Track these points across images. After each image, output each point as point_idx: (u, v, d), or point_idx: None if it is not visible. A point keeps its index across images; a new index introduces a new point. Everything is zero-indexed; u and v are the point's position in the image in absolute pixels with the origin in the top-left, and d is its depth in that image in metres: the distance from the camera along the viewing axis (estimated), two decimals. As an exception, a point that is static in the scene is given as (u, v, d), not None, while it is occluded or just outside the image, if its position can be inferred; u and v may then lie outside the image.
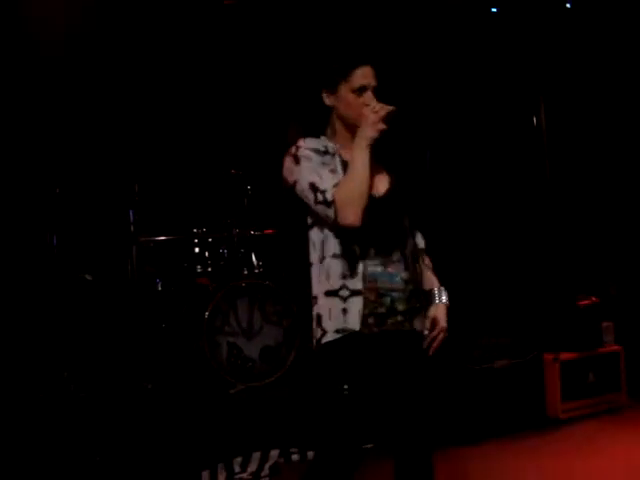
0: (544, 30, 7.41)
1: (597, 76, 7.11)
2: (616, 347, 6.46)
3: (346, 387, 2.94)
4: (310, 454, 5.18)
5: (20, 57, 5.80)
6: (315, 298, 3.04)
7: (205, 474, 4.95)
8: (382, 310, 2.98)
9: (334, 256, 2.98)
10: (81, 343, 6.02)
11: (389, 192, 3.08)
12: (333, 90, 3.07)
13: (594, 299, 6.54)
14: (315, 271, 3.04)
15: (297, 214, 3.09)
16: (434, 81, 6.89)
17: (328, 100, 3.09)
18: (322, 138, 3.10)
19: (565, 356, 6.20)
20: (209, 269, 6.14)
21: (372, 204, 2.98)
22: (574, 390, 6.15)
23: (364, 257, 2.97)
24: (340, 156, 3.05)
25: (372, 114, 2.94)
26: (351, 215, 2.90)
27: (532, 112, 7.27)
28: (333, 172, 2.99)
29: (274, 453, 5.15)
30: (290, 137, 3.12)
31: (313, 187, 2.95)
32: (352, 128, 3.04)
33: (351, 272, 2.95)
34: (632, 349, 6.52)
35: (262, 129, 7.00)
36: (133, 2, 6.35)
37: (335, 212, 2.90)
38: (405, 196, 3.13)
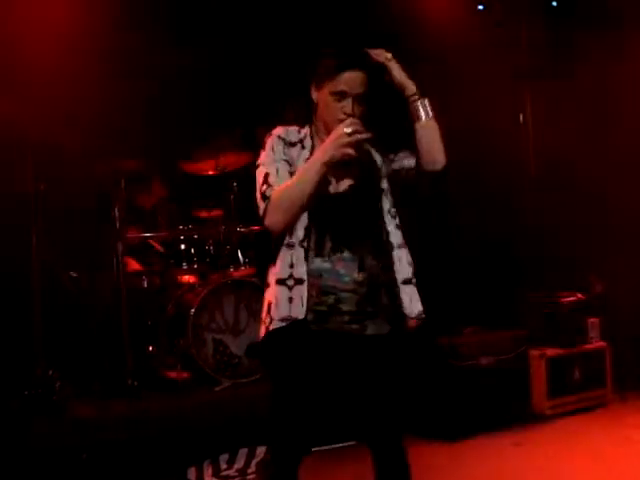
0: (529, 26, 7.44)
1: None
2: (602, 343, 6.49)
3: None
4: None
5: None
6: (267, 285, 3.03)
7: (191, 471, 4.94)
8: (323, 308, 2.92)
9: (287, 245, 2.95)
10: (66, 340, 6.01)
11: (351, 189, 3.01)
12: (319, 86, 3.02)
13: (579, 295, 6.57)
14: (270, 259, 3.05)
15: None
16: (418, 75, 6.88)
17: (313, 95, 3.06)
18: (305, 128, 3.08)
19: (551, 352, 6.22)
20: (195, 266, 6.12)
21: (329, 201, 2.95)
22: (560, 386, 6.17)
23: (316, 251, 2.93)
24: (312, 151, 3.01)
25: (344, 136, 2.81)
26: (273, 218, 2.89)
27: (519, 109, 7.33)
28: (290, 161, 2.98)
29: (261, 450, 5.13)
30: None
31: (265, 177, 2.94)
32: (328, 129, 2.97)
33: (298, 262, 2.91)
34: (617, 345, 6.54)
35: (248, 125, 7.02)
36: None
37: (264, 209, 2.90)
38: (373, 193, 3.04)
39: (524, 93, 7.52)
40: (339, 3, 6.87)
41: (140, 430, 5.00)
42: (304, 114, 3.09)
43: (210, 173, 6.45)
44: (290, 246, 2.94)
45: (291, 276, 2.92)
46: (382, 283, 3.00)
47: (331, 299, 2.92)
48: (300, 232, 2.93)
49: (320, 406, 3.00)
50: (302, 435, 3.01)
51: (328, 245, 2.93)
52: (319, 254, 2.93)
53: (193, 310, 5.60)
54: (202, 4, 6.85)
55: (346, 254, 2.94)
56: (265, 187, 2.92)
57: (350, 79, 2.94)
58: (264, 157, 2.99)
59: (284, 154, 2.98)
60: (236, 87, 7.07)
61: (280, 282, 2.94)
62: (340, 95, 2.94)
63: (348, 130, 2.81)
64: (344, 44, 3.07)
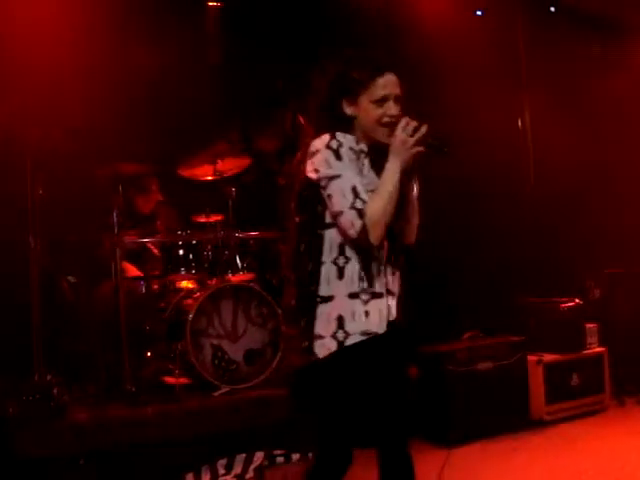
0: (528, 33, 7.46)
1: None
2: (600, 349, 6.49)
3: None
4: (295, 457, 5.17)
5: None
6: (330, 298, 2.99)
7: (189, 476, 4.94)
8: (386, 312, 3.02)
9: (354, 259, 2.97)
10: (64, 346, 6.00)
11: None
12: (353, 100, 3.01)
13: (577, 301, 6.57)
14: (329, 271, 3.00)
15: (313, 210, 3.02)
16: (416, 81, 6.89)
17: (349, 110, 3.03)
18: (353, 137, 3.03)
19: (549, 358, 6.23)
20: (193, 271, 6.11)
21: None
22: (558, 392, 6.18)
23: (380, 262, 3.00)
24: (369, 158, 3.02)
25: (408, 138, 2.88)
26: (375, 234, 2.88)
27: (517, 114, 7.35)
28: (361, 174, 2.96)
29: (259, 455, 5.13)
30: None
31: (355, 191, 2.90)
32: (370, 139, 3.01)
33: (371, 276, 2.96)
34: (616, 351, 6.54)
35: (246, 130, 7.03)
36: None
37: (362, 225, 2.87)
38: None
39: (523, 99, 7.54)
40: (337, 12, 6.88)
41: (138, 435, 4.99)
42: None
43: (208, 178, 6.44)
44: (357, 259, 2.97)
45: (364, 290, 2.97)
46: None
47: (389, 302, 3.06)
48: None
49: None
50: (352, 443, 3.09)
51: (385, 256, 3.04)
52: (382, 264, 3.02)
53: (191, 315, 5.59)
54: (201, 7, 6.89)
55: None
56: (359, 202, 2.89)
57: (387, 82, 3.00)
58: (342, 167, 2.93)
59: (356, 165, 2.97)
60: (234, 91, 7.08)
61: (353, 296, 2.97)
62: (382, 100, 2.98)
63: (409, 130, 2.87)
64: (367, 52, 3.11)
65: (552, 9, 7.50)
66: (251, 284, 5.96)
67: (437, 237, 6.78)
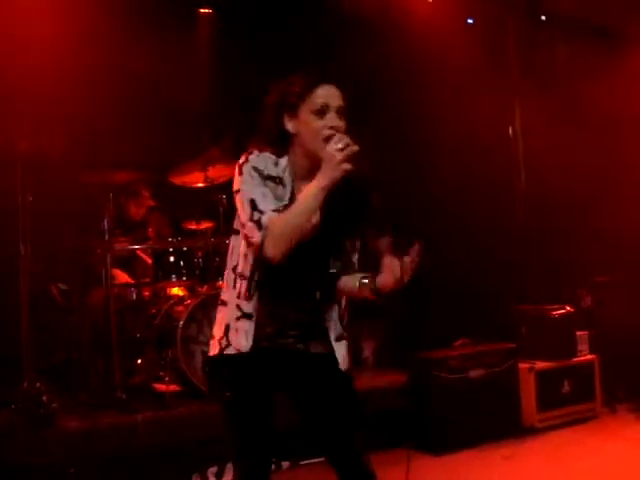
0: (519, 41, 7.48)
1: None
2: (591, 356, 6.50)
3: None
4: (285, 464, 5.16)
5: None
6: (225, 303, 2.98)
7: (180, 484, 4.93)
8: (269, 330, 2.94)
9: (241, 276, 2.91)
10: (54, 353, 5.98)
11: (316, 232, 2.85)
12: (293, 113, 2.89)
13: (569, 308, 6.58)
14: (228, 277, 2.98)
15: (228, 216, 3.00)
16: (408, 89, 6.91)
17: (289, 125, 2.90)
18: (283, 159, 2.90)
19: (540, 365, 6.23)
20: (184, 278, 6.10)
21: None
22: (549, 399, 6.18)
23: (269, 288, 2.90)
24: (292, 187, 2.88)
25: (337, 152, 2.70)
26: (277, 248, 2.74)
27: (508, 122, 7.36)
28: (278, 198, 2.84)
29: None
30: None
31: (252, 204, 2.78)
32: (312, 157, 2.84)
33: (250, 294, 2.89)
34: (607, 358, 6.55)
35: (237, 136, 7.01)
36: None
37: (262, 238, 2.75)
38: (336, 235, 2.96)
39: (514, 106, 7.56)
40: (327, 19, 6.90)
41: (128, 443, 4.98)
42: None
43: (199, 185, 6.44)
44: (243, 277, 2.91)
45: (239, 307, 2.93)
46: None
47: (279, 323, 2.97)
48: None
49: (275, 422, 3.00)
50: (264, 450, 3.00)
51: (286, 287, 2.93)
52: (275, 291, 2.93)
53: (182, 322, 5.58)
54: (192, 15, 6.89)
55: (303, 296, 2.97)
56: (257, 214, 2.77)
57: (327, 92, 2.85)
58: (242, 182, 2.83)
59: (264, 185, 2.83)
60: (226, 98, 7.08)
61: (238, 308, 2.94)
62: (321, 110, 2.83)
63: (340, 145, 2.72)
64: (312, 64, 3.01)
65: (543, 17, 7.52)
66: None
67: (428, 245, 6.80)
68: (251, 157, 2.86)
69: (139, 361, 5.94)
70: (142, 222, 6.60)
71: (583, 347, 6.51)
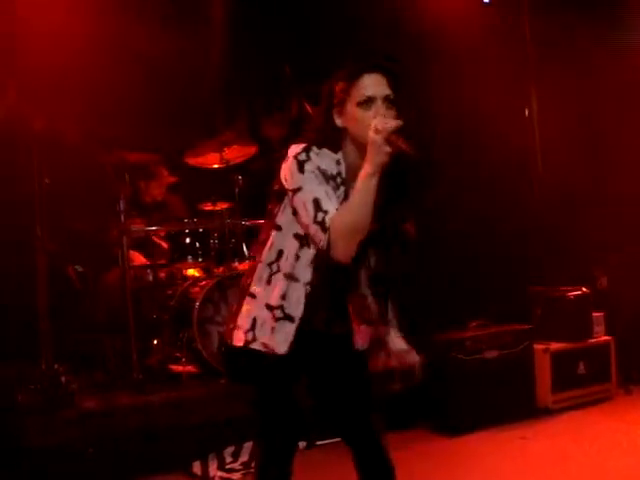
0: (535, 21, 7.42)
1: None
2: (606, 338, 6.48)
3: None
4: (302, 444, 5.18)
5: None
6: (254, 296, 2.92)
7: (196, 464, 4.95)
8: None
9: (289, 277, 2.85)
10: (71, 334, 6.01)
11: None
12: (342, 108, 2.81)
13: (584, 290, 6.56)
14: (262, 271, 2.91)
15: (272, 209, 2.92)
16: (423, 70, 6.88)
17: (339, 121, 2.82)
18: (338, 155, 2.82)
19: (555, 346, 6.22)
20: (200, 259, 6.12)
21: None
22: (565, 381, 6.17)
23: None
24: (348, 185, 2.80)
25: (376, 135, 2.62)
26: (340, 250, 2.68)
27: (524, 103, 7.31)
28: (339, 199, 2.78)
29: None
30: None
31: (317, 204, 2.70)
32: (363, 151, 2.72)
33: (290, 296, 2.85)
34: (622, 339, 6.53)
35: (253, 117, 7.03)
36: None
37: (328, 241, 2.68)
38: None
39: (530, 87, 7.51)
40: (343, 3, 6.87)
41: (145, 424, 5.01)
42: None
43: (215, 166, 6.45)
44: (288, 276, 2.86)
45: (281, 307, 2.86)
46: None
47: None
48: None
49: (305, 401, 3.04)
50: (293, 429, 3.03)
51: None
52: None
53: (198, 303, 5.60)
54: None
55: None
56: (321, 215, 2.69)
57: (372, 81, 2.76)
58: (303, 180, 2.74)
59: (327, 184, 2.76)
60: (241, 78, 7.08)
61: (269, 307, 2.88)
62: (367, 101, 2.75)
63: (379, 126, 2.63)
64: (357, 53, 2.91)
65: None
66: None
67: (444, 226, 6.80)
68: (312, 154, 2.78)
69: (155, 342, 5.97)
70: (161, 203, 6.61)
71: (599, 328, 6.49)
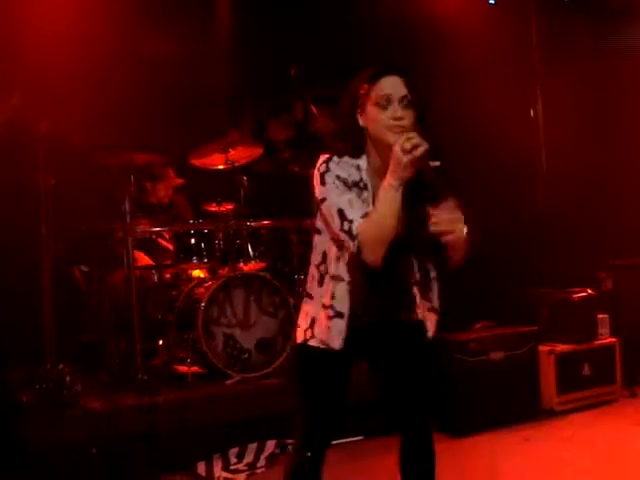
0: (541, 22, 7.42)
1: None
2: (611, 339, 6.47)
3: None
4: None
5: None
6: (311, 297, 3.07)
7: (201, 465, 4.95)
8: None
9: (334, 278, 2.98)
10: (76, 334, 6.02)
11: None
12: (362, 108, 2.91)
13: (589, 291, 6.55)
14: (313, 273, 3.06)
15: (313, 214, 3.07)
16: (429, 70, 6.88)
17: (361, 120, 2.92)
18: (361, 159, 2.93)
19: (560, 348, 6.21)
20: (205, 260, 6.12)
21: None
22: (569, 382, 6.16)
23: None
24: (372, 187, 2.90)
25: (403, 155, 2.71)
26: (371, 256, 2.80)
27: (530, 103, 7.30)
28: (365, 202, 2.89)
29: (270, 444, 5.15)
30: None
31: (341, 214, 2.83)
32: (381, 151, 2.88)
33: (338, 295, 2.97)
34: (627, 341, 6.52)
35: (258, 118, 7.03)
36: None
37: (358, 247, 2.81)
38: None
39: (535, 88, 7.51)
40: (350, 4, 6.87)
41: (150, 424, 5.01)
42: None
43: (220, 167, 6.45)
44: (335, 277, 2.98)
45: (332, 307, 2.99)
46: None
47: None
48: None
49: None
50: (329, 427, 3.18)
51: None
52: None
53: (203, 304, 5.60)
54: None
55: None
56: (347, 224, 2.82)
57: (389, 82, 2.87)
58: (326, 191, 2.87)
59: (350, 192, 2.87)
60: (246, 79, 7.08)
61: (324, 306, 3.01)
62: (385, 101, 2.85)
63: (407, 146, 2.71)
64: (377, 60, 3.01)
65: (566, -2, 7.46)
66: (263, 273, 5.98)
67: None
68: (331, 165, 2.89)
69: (160, 343, 5.98)
70: (163, 204, 6.62)
71: (604, 330, 6.48)
